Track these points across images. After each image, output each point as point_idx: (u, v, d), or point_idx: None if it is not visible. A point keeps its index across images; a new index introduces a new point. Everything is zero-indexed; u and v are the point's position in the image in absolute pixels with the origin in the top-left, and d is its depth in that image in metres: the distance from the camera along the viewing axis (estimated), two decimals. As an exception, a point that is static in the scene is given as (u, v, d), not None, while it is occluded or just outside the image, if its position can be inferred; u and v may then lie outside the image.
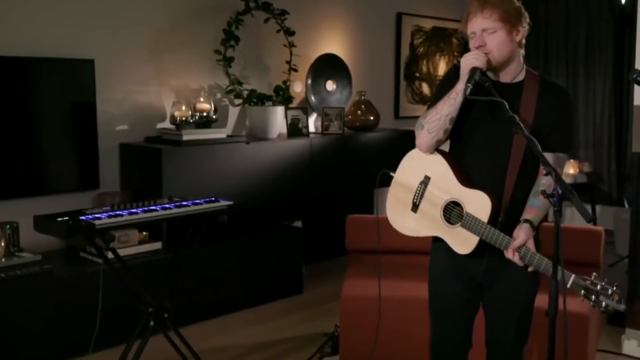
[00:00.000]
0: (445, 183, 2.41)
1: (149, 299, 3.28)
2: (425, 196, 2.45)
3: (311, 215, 5.48)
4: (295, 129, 5.24)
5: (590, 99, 6.88)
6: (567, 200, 1.91)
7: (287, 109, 5.22)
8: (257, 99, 5.04)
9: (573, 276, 2.15)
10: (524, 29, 2.35)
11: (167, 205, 3.32)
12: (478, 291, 2.51)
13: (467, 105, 2.35)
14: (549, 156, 2.35)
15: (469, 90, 2.22)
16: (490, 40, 2.30)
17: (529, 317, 2.52)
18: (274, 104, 5.10)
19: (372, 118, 5.73)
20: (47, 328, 3.70)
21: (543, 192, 2.02)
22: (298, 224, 5.22)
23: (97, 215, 3.01)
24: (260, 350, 4.05)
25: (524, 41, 2.39)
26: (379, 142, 5.60)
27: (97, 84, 4.34)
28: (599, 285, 2.11)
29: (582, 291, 2.13)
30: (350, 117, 5.73)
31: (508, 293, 2.45)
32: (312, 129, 5.68)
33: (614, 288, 2.10)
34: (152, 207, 3.25)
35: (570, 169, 6.22)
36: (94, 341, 3.37)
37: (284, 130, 5.24)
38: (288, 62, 5.23)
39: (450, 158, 2.45)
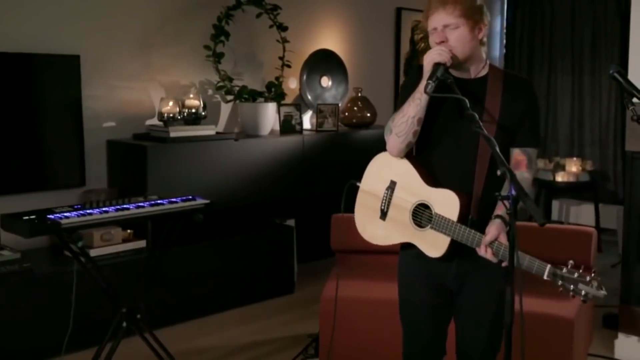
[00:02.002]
0: (412, 185, 2.32)
1: (122, 299, 3.22)
2: (393, 202, 2.37)
3: (305, 213, 5.39)
4: (287, 126, 5.17)
5: (596, 95, 6.74)
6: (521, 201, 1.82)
7: (279, 105, 5.14)
8: (249, 95, 4.96)
9: (549, 266, 2.07)
10: (485, 27, 2.28)
11: (142, 204, 3.25)
12: (449, 297, 2.42)
13: (434, 105, 2.27)
14: (518, 152, 2.28)
15: (429, 87, 2.13)
16: (452, 36, 2.22)
17: (501, 325, 2.41)
18: (266, 101, 5.02)
19: (368, 115, 5.63)
20: (22, 328, 3.64)
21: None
22: (291, 222, 5.14)
23: (65, 214, 2.95)
24: (242, 351, 3.97)
25: (485, 39, 2.32)
26: (375, 139, 5.49)
27: (83, 80, 4.28)
28: (576, 274, 2.03)
29: (560, 281, 2.04)
30: (346, 113, 5.64)
31: (478, 298, 2.35)
32: (307, 125, 5.60)
33: (592, 275, 2.02)
34: (125, 206, 3.18)
35: (573, 167, 6.08)
36: (66, 342, 3.30)
37: (277, 127, 5.17)
38: (281, 58, 5.15)
39: (416, 160, 2.36)
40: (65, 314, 3.56)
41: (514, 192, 1.82)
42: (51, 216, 2.92)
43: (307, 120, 5.65)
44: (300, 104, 5.35)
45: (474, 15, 2.21)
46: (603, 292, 2.01)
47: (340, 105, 5.61)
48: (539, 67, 7.07)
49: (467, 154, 2.26)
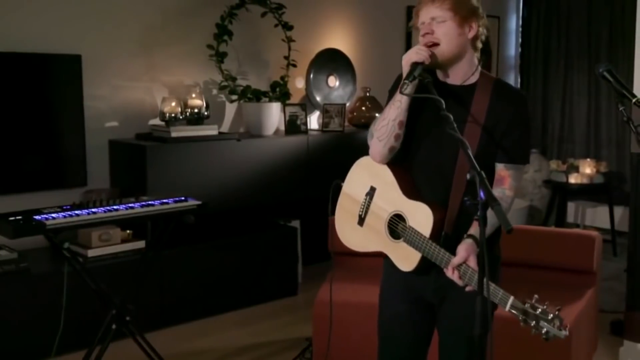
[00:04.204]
0: (390, 194, 2.23)
1: (113, 301, 3.19)
2: (371, 209, 2.28)
3: (310, 214, 5.33)
4: (293, 126, 5.12)
5: (613, 95, 6.57)
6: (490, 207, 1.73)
7: (285, 105, 5.09)
8: (252, 95, 4.92)
9: (511, 298, 1.94)
10: (478, 27, 2.16)
11: (132, 205, 3.22)
12: (429, 312, 2.31)
13: (417, 110, 2.18)
14: (502, 168, 2.16)
15: (405, 87, 2.05)
16: (438, 30, 2.12)
17: (484, 342, 2.32)
18: (271, 101, 4.98)
19: (376, 115, 5.56)
20: (17, 327, 3.64)
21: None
22: (296, 223, 5.09)
23: (52, 215, 2.93)
24: (240, 353, 3.93)
25: (479, 44, 2.20)
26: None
27: (85, 80, 4.27)
28: (539, 310, 1.89)
29: (521, 316, 1.90)
30: (354, 113, 5.59)
31: (459, 313, 2.21)
32: (315, 126, 5.55)
33: (556, 312, 1.88)
34: (114, 207, 3.16)
35: (587, 169, 5.95)
36: (57, 344, 3.28)
37: (283, 127, 5.12)
38: (286, 57, 5.09)
39: (397, 166, 2.26)
40: (59, 315, 3.55)
41: (482, 197, 1.74)
42: (37, 217, 2.89)
43: (315, 120, 5.60)
44: (306, 104, 5.30)
45: (463, 11, 2.11)
46: (564, 333, 1.87)
47: (347, 105, 5.55)
48: (555, 67, 6.94)
49: (447, 164, 2.16)
